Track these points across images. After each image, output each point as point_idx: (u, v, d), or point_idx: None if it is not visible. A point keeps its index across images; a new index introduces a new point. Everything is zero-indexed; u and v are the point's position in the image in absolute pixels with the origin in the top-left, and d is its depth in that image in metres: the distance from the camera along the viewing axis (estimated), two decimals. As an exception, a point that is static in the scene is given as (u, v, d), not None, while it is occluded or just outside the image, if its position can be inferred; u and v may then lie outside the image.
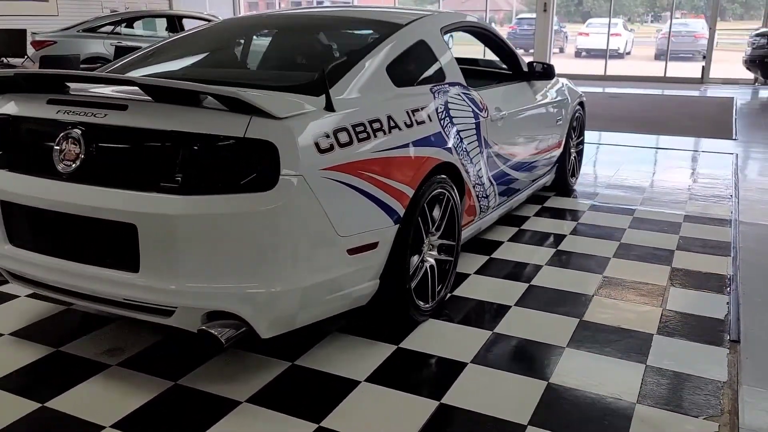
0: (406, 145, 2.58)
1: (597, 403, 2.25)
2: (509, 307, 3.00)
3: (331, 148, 2.22)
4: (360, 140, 2.35)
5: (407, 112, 2.66)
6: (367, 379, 2.39)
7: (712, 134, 7.81)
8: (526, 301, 3.06)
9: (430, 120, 2.79)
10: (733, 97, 11.67)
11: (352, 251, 2.33)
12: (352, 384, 2.36)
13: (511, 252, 3.73)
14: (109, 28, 10.75)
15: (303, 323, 2.31)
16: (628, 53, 23.75)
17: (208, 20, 11.92)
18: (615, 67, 16.70)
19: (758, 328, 2.81)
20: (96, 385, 2.35)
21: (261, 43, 3.41)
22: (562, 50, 24.62)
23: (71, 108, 2.28)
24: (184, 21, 11.84)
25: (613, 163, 6.18)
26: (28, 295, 3.10)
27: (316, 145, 2.17)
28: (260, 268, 2.11)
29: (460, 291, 3.17)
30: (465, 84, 3.27)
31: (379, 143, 2.44)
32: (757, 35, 12.27)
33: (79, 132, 2.23)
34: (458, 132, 3.01)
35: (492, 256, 3.66)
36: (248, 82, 2.53)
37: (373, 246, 2.42)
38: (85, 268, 2.24)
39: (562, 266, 3.51)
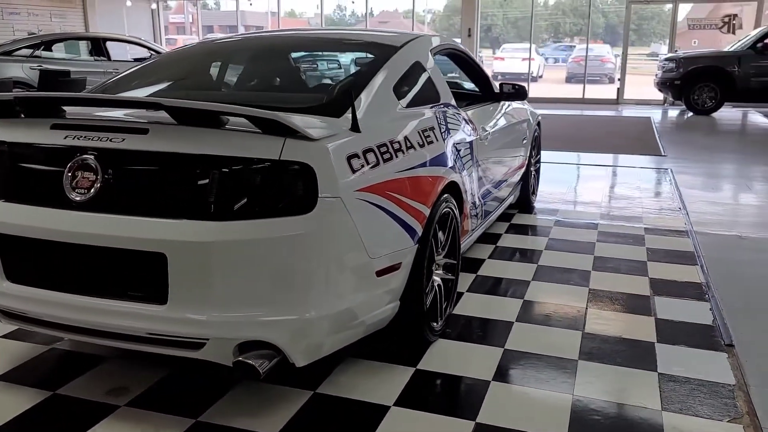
0: (423, 165, 2.58)
1: (625, 413, 2.30)
2: (512, 323, 3.04)
3: (362, 168, 2.19)
4: (384, 160, 2.33)
5: (419, 132, 2.67)
6: (396, 404, 2.35)
7: (642, 151, 8.25)
8: (526, 317, 3.11)
9: (437, 140, 2.81)
10: (649, 117, 12.39)
11: (379, 273, 2.30)
12: (382, 409, 2.31)
13: (495, 269, 3.78)
14: (26, 52, 10.22)
15: (332, 350, 2.25)
16: (541, 76, 24.80)
17: (135, 43, 11.58)
18: (533, 90, 17.39)
19: (746, 331, 2.96)
20: (110, 430, 2.19)
21: (255, 65, 3.33)
22: (479, 74, 25.39)
23: (81, 133, 2.14)
24: (108, 44, 11.45)
25: (561, 181, 6.40)
26: (2, 336, 2.86)
27: (350, 166, 2.14)
28: (296, 293, 2.04)
29: (459, 309, 3.18)
30: (456, 104, 3.32)
31: (400, 163, 2.43)
32: (666, 60, 13.14)
33: (93, 158, 2.09)
34: (458, 151, 3.04)
35: (479, 273, 3.70)
36: (263, 105, 2.47)
37: (397, 267, 2.39)
38: (103, 302, 2.10)
39: (549, 281, 3.59)
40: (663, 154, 8.04)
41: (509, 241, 4.35)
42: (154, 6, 18.08)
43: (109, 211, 2.07)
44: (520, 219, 4.91)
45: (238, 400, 2.37)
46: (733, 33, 14.34)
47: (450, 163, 2.88)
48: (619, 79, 15.08)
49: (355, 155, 2.19)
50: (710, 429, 2.21)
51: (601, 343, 2.84)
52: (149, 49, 11.43)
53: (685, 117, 12.58)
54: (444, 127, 2.96)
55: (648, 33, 28.00)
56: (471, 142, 3.27)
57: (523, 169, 4.72)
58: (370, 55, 3.01)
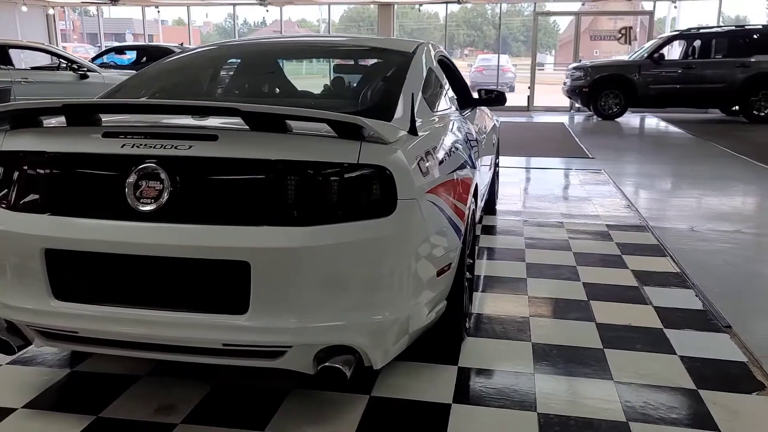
0: (461, 167, 2.65)
1: (668, 395, 2.45)
2: (527, 318, 3.16)
3: (427, 171, 2.23)
4: (438, 163, 2.38)
5: (452, 136, 2.74)
6: (456, 401, 2.39)
7: (570, 154, 8.71)
8: (538, 311, 3.24)
9: (463, 144, 2.89)
10: (562, 122, 13.07)
11: (438, 273, 2.34)
12: (445, 408, 2.35)
13: (488, 269, 3.90)
14: None
15: (401, 350, 2.26)
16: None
17: (41, 50, 10.93)
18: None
19: (736, 313, 3.23)
20: (177, 448, 2.10)
21: (283, 70, 3.27)
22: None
23: (139, 141, 2.04)
24: (11, 51, 10.74)
25: (508, 184, 6.65)
26: (9, 363, 2.66)
27: (420, 168, 2.17)
28: (378, 295, 2.05)
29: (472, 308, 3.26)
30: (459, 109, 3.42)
31: (447, 166, 2.48)
32: (574, 68, 13.91)
33: (159, 167, 2.00)
34: (471, 154, 3.13)
35: (474, 273, 3.80)
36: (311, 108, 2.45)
37: (449, 267, 2.44)
38: (174, 315, 2.01)
39: (543, 277, 3.75)
40: (591, 156, 8.52)
41: (489, 242, 4.50)
42: (51, 11, 17.08)
43: (182, 221, 1.99)
44: (489, 221, 5.07)
45: (296, 409, 2.33)
46: (629, 44, 15.40)
47: (473, 166, 2.97)
48: (529, 87, 15.78)
49: (421, 158, 2.22)
50: (747, 403, 2.40)
51: (616, 331, 3.01)
52: (57, 55, 10.79)
53: (593, 122, 13.36)
54: (463, 131, 3.05)
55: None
56: (476, 146, 3.37)
57: (492, 171, 4.89)
58: (386, 61, 3.05)
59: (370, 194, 2.02)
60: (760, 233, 4.94)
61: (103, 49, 16.41)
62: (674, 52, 14.11)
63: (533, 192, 6.28)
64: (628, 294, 3.50)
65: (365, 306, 2.04)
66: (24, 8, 16.12)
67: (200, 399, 2.39)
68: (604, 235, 4.65)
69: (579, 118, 14.35)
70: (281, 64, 3.40)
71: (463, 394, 2.44)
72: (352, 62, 3.44)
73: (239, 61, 3.34)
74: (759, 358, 2.74)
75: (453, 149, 2.67)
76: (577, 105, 14.86)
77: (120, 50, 15.48)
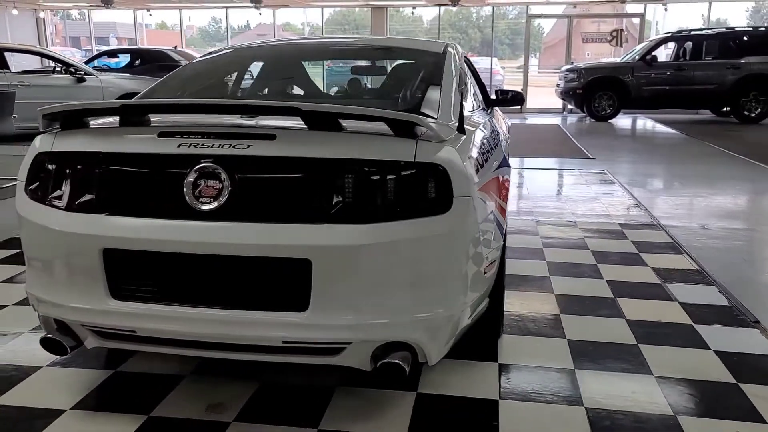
0: (501, 165, 2.68)
1: (712, 389, 2.49)
2: (558, 315, 3.19)
3: (477, 169, 2.26)
4: (485, 161, 2.41)
5: (491, 135, 2.77)
6: (504, 397, 2.42)
7: (571, 155, 8.78)
8: (567, 309, 3.27)
9: (499, 143, 2.92)
10: (557, 124, 13.17)
11: (485, 270, 2.37)
12: (493, 404, 2.37)
13: (510, 267, 3.93)
14: None
15: (451, 346, 2.28)
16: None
17: (40, 54, 10.84)
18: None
19: (762, 309, 3.29)
20: (235, 446, 2.11)
21: (323, 71, 3.29)
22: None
23: (196, 140, 2.05)
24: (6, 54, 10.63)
25: (514, 184, 6.70)
26: (49, 365, 2.65)
27: (471, 166, 2.20)
28: (436, 292, 2.08)
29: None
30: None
31: (491, 163, 2.51)
32: (568, 71, 14.03)
33: (218, 166, 2.01)
34: (505, 153, 3.17)
35: (499, 272, 3.83)
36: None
37: (493, 264, 2.47)
38: (234, 313, 2.02)
39: (566, 275, 3.79)
40: (591, 157, 8.60)
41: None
42: (42, 14, 16.94)
43: (242, 220, 2.00)
44: (502, 220, 5.10)
45: (345, 406, 2.35)
46: (621, 46, 15.55)
47: (508, 164, 3.00)
48: (522, 89, 15.87)
49: (471, 156, 2.25)
50: (787, 394, 2.46)
51: (647, 328, 3.05)
52: (54, 59, 10.70)
53: (586, 123, 13.48)
54: (495, 130, 3.08)
55: (520, 46, 29.78)
56: (506, 145, 3.41)
57: (505, 171, 4.93)
58: (419, 61, 3.07)
59: (427, 192, 2.04)
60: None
61: (95, 53, 16.30)
62: (665, 53, 14.28)
63: (541, 192, 6.32)
64: (652, 291, 3.54)
65: (423, 302, 2.06)
66: (15, 11, 15.97)
67: (248, 397, 2.40)
68: (619, 234, 4.71)
69: (572, 119, 14.47)
70: (306, 66, 3.42)
71: (508, 390, 2.47)
72: (385, 63, 3.46)
73: (271, 62, 3.35)
74: (792, 352, 2.79)
75: (493, 147, 2.70)
76: (569, 106, 14.98)
77: (113, 53, 15.39)
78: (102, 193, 2.10)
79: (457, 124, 2.33)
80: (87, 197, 2.11)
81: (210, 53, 3.40)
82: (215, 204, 2.00)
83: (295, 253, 1.96)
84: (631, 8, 16.46)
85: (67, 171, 2.14)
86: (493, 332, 2.76)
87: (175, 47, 15.67)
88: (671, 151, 9.42)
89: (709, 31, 13.92)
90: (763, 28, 13.79)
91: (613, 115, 13.44)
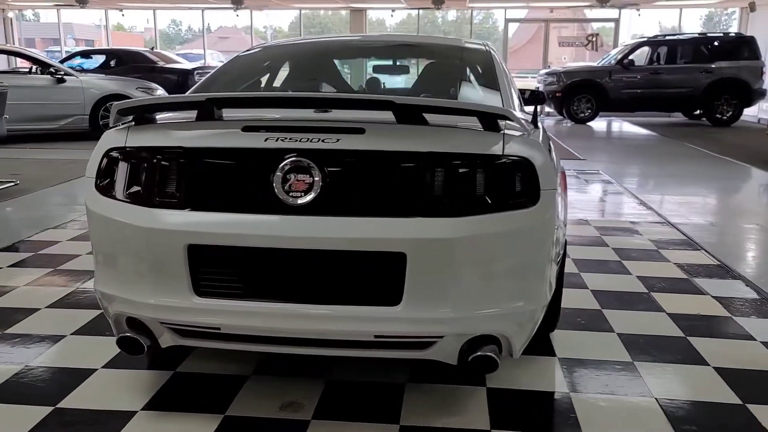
0: (558, 159, 2.71)
1: None
2: (599, 310, 3.23)
3: (555, 162, 2.28)
4: (553, 154, 2.43)
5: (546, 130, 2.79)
6: (575, 391, 2.44)
7: (562, 156, 8.87)
8: (605, 304, 3.31)
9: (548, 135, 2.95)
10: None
11: (558, 262, 2.39)
12: (566, 397, 2.39)
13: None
14: None
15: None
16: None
17: (18, 54, 10.55)
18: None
19: (792, 301, 3.39)
20: (322, 443, 2.08)
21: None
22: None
23: (283, 134, 2.02)
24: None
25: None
26: (104, 366, 2.58)
27: (551, 159, 2.21)
28: (525, 285, 2.09)
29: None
30: None
31: (556, 157, 2.54)
32: (547, 74, 14.25)
33: (309, 160, 1.99)
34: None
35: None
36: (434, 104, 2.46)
37: (561, 256, 2.49)
38: (325, 308, 1.99)
39: (595, 272, 3.84)
40: (581, 158, 8.74)
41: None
42: (11, 14, 16.48)
43: (334, 214, 1.97)
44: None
45: (420, 402, 2.33)
46: (596, 50, 15.87)
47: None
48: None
49: (549, 149, 2.27)
50: (841, 381, 2.53)
51: (690, 321, 3.10)
52: (33, 59, 10.42)
53: (565, 125, 13.68)
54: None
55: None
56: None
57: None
58: (466, 59, 3.09)
59: (516, 185, 2.05)
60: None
61: (64, 54, 15.92)
62: (638, 57, 14.59)
63: (543, 192, 6.39)
64: (682, 285, 3.61)
65: (512, 295, 2.06)
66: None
67: (319, 395, 2.37)
68: (633, 231, 4.79)
69: (550, 122, 14.66)
70: (345, 64, 3.41)
71: (576, 383, 2.49)
72: (433, 60, 3.45)
73: (313, 60, 3.33)
74: (833, 341, 2.88)
75: (550, 140, 2.73)
76: (547, 109, 15.19)
77: (86, 54, 15.05)
78: (184, 188, 2.05)
79: (531, 117, 2.34)
80: (168, 193, 2.06)
81: (250, 50, 3.35)
82: (308, 198, 1.97)
83: (390, 247, 1.95)
84: (599, 13, 16.78)
85: (145, 166, 2.09)
86: (549, 326, 2.79)
87: (152, 48, 15.42)
88: (657, 151, 9.62)
89: (682, 37, 14.28)
90: (733, 35, 14.24)
91: (592, 117, 13.68)
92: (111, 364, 2.59)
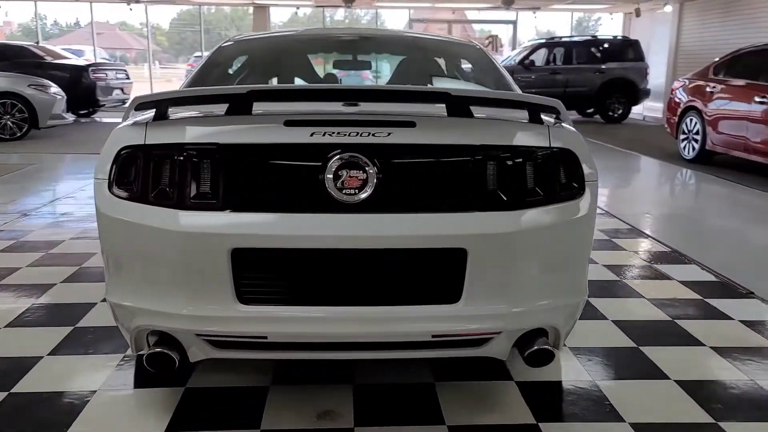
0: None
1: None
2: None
3: None
4: None
5: None
6: (597, 379, 2.48)
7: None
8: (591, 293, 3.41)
9: None
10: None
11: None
12: (594, 386, 2.43)
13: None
14: None
15: None
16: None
17: None
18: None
19: (748, 280, 3.63)
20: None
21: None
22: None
23: (331, 129, 1.90)
24: None
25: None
26: (103, 388, 2.34)
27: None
28: (574, 277, 2.09)
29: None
30: None
31: None
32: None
33: (362, 155, 1.88)
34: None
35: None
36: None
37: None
38: (382, 310, 1.90)
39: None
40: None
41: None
42: None
43: (391, 210, 1.88)
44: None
45: (456, 400, 2.28)
46: (495, 50, 16.42)
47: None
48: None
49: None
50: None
51: (669, 304, 3.25)
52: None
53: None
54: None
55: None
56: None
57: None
58: (465, 54, 3.08)
59: (562, 177, 2.05)
60: (702, 216, 5.55)
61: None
62: (536, 58, 15.25)
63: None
64: (648, 272, 3.79)
65: (563, 287, 2.06)
66: None
67: (352, 402, 2.26)
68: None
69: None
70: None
71: (596, 371, 2.53)
72: (428, 55, 3.40)
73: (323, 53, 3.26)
74: None
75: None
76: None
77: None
78: (223, 188, 1.88)
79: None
80: (205, 193, 1.88)
81: (235, 41, 3.14)
82: (363, 195, 1.87)
83: (451, 243, 1.88)
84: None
85: (175, 165, 1.89)
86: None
87: (37, 43, 14.30)
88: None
89: (576, 39, 15.07)
90: (620, 37, 15.21)
91: (496, 115, 14.13)
92: (111, 386, 2.35)
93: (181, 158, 1.89)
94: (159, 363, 1.94)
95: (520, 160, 1.98)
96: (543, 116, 2.11)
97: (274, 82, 3.28)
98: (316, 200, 1.87)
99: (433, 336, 1.96)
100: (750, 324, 3.01)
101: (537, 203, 1.98)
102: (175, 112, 2.03)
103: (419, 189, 1.92)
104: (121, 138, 1.96)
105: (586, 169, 2.08)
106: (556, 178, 2.03)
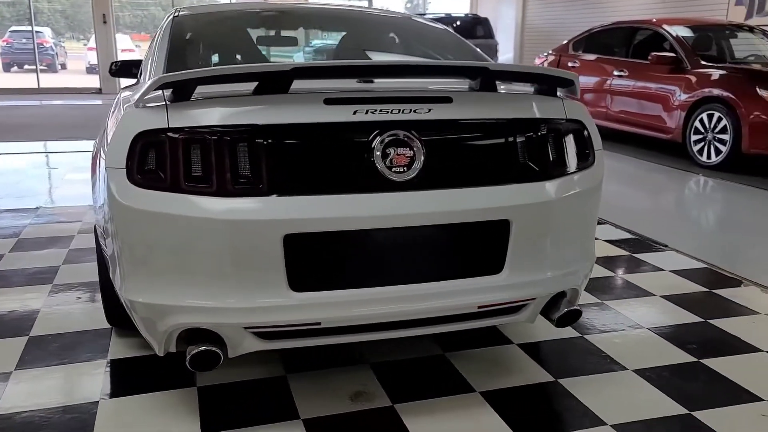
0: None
1: (697, 294, 3.08)
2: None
3: None
4: None
5: None
6: (584, 334, 2.67)
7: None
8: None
9: None
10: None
11: None
12: (583, 340, 2.61)
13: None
14: None
15: None
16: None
17: None
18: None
19: (659, 235, 4.05)
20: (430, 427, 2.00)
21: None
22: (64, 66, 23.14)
23: (373, 107, 1.85)
24: None
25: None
26: (103, 398, 2.13)
27: (590, 121, 2.36)
28: (589, 242, 2.23)
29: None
30: None
31: None
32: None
33: (408, 132, 1.86)
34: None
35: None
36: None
37: None
38: (431, 286, 1.92)
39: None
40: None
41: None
42: None
43: (440, 186, 1.89)
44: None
45: (475, 369, 2.34)
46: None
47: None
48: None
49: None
50: None
51: (600, 262, 3.56)
52: None
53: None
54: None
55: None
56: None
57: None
58: (426, 30, 3.13)
59: (579, 146, 2.16)
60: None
61: None
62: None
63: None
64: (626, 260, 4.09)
65: (583, 251, 2.19)
66: None
67: (379, 380, 2.25)
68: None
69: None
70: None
71: (578, 327, 2.72)
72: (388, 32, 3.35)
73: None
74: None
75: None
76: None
77: None
78: (267, 172, 1.77)
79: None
80: (246, 178, 1.76)
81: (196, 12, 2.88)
82: (413, 173, 1.86)
83: (497, 215, 1.93)
84: None
85: (210, 149, 1.75)
86: None
87: None
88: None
89: (433, 16, 15.54)
90: (471, 15, 15.92)
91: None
92: (114, 394, 2.15)
93: (217, 142, 1.75)
94: (203, 362, 1.81)
95: (546, 131, 2.06)
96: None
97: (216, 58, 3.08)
98: (367, 180, 1.83)
99: (479, 307, 2.00)
100: (677, 274, 3.37)
101: (566, 172, 2.09)
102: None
103: (462, 163, 1.95)
104: (137, 121, 1.77)
105: (595, 139, 2.21)
106: (576, 147, 2.14)
